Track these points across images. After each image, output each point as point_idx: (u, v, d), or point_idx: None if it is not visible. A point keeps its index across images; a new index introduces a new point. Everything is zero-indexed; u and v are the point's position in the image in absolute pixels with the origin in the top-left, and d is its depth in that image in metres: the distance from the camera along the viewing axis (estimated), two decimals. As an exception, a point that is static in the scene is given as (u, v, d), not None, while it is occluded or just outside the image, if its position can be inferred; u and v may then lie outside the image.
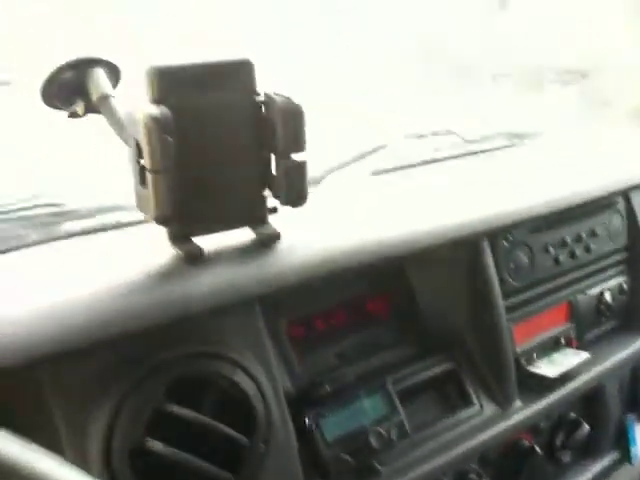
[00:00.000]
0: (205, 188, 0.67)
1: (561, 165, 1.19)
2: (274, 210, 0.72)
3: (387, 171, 1.18)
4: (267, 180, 0.71)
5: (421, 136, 1.24)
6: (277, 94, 0.66)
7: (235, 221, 0.71)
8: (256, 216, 0.72)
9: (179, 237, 0.68)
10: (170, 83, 0.63)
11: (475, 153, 1.25)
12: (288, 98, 0.66)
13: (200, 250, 0.67)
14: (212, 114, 0.66)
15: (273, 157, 0.70)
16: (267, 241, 0.72)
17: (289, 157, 0.68)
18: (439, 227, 0.85)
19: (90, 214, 0.85)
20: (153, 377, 0.61)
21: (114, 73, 0.74)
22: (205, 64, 0.65)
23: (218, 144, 0.67)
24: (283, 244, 0.72)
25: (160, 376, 0.61)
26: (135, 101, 0.64)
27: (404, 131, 1.24)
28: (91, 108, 0.72)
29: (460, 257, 0.91)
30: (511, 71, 2.04)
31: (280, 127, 0.66)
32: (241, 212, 0.71)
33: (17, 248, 0.76)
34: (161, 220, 0.63)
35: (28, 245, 0.77)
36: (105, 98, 0.71)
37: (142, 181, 0.63)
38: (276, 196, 0.71)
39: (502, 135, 1.33)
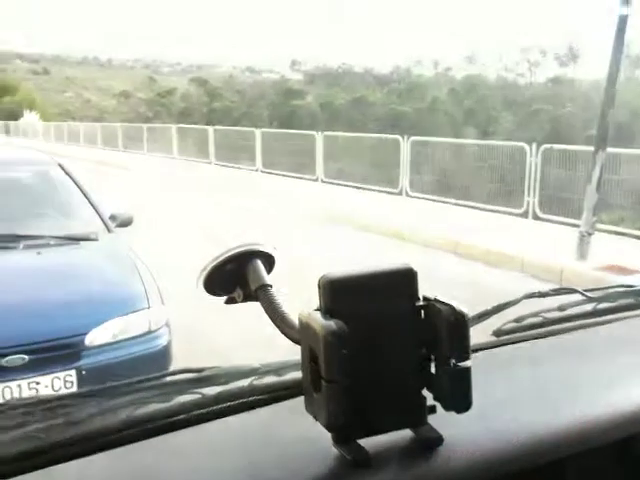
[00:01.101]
0: (369, 391, 0.69)
1: None
2: (433, 410, 0.71)
3: (511, 332, 1.15)
4: (427, 381, 0.71)
5: (543, 294, 1.22)
6: (438, 300, 0.68)
7: (396, 422, 0.72)
8: (416, 417, 0.72)
9: (344, 440, 0.68)
10: (340, 293, 0.67)
11: (603, 314, 1.20)
12: (451, 305, 0.67)
13: (366, 455, 0.67)
14: (376, 321, 0.69)
15: (433, 358, 0.71)
16: (429, 444, 0.71)
17: (452, 362, 0.68)
18: (598, 423, 0.81)
19: (227, 379, 0.86)
20: None
21: (270, 262, 0.79)
22: (372, 273, 0.69)
23: (380, 348, 0.69)
24: (444, 445, 0.71)
25: None
26: (306, 306, 0.67)
27: (524, 289, 1.22)
28: (249, 296, 0.76)
29: (613, 442, 0.85)
30: None
31: (444, 334, 0.68)
32: (401, 413, 0.71)
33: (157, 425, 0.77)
34: (332, 427, 0.65)
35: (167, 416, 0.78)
36: (264, 288, 0.75)
37: (315, 387, 0.64)
38: (437, 399, 0.70)
39: (628, 293, 1.28)
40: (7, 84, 74.73)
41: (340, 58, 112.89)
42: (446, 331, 0.67)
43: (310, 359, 0.65)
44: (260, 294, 0.76)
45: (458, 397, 0.69)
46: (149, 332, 3.53)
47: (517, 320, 1.17)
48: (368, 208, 10.30)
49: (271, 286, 0.76)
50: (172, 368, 3.60)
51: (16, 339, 3.14)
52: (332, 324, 0.63)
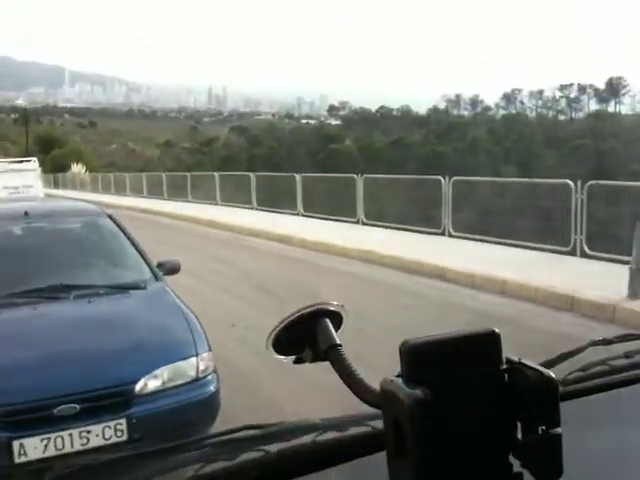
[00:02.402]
0: (454, 459, 0.67)
1: None
2: (519, 477, 0.69)
3: (577, 381, 1.11)
4: (513, 447, 0.69)
5: (608, 342, 1.17)
6: (523, 364, 0.67)
7: None
8: None
9: None
10: (423, 359, 0.66)
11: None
12: (538, 370, 0.65)
13: None
14: (460, 387, 0.67)
15: (519, 423, 0.69)
16: None
17: (541, 429, 0.66)
18: None
19: (290, 436, 0.85)
20: None
21: (338, 320, 0.79)
22: (454, 338, 0.68)
23: (465, 414, 0.68)
24: None
25: None
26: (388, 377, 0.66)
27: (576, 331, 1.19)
28: (319, 357, 0.76)
29: None
30: None
31: (532, 399, 0.66)
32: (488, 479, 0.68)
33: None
34: None
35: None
36: (334, 348, 0.75)
37: (400, 455, 0.63)
38: (526, 466, 0.68)
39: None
40: (55, 137, 77.72)
41: (377, 101, 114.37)
42: (534, 396, 0.65)
43: (394, 427, 0.64)
44: (330, 354, 0.75)
45: (549, 465, 0.66)
46: (197, 379, 3.54)
47: (583, 369, 1.13)
48: (412, 250, 10.24)
49: (341, 346, 0.76)
50: (219, 415, 3.60)
51: (67, 389, 3.19)
52: (418, 393, 0.62)
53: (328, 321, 0.78)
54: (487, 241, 10.63)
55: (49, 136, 77.17)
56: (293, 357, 0.80)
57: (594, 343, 1.16)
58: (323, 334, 0.77)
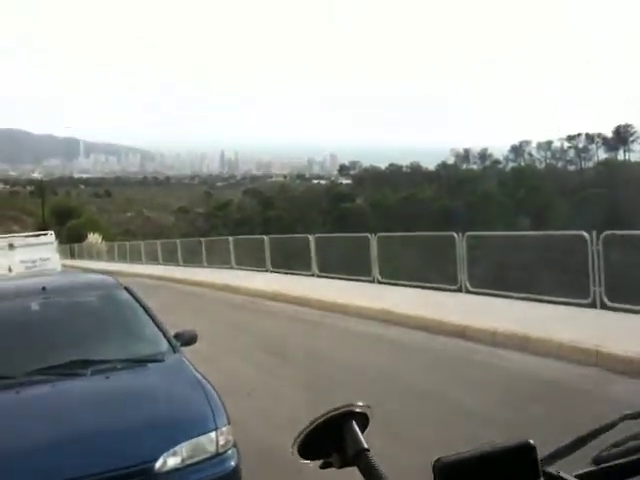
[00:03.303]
0: None
1: None
2: None
3: (611, 458, 1.07)
4: None
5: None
6: (560, 477, 0.65)
7: None
8: None
9: None
10: (458, 478, 0.64)
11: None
12: None
13: None
14: None
15: None
16: None
17: None
18: None
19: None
20: None
21: (364, 421, 0.77)
22: (487, 453, 0.66)
23: None
24: None
25: None
26: None
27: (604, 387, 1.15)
28: (347, 462, 0.73)
29: None
30: None
31: None
32: None
33: None
34: None
35: None
36: (362, 454, 0.72)
37: None
38: None
39: None
40: (71, 208, 78.97)
41: (387, 159, 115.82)
42: None
43: None
44: (358, 460, 0.73)
45: None
46: (217, 454, 3.47)
47: (615, 445, 1.09)
48: (430, 308, 10.15)
49: (369, 450, 0.74)
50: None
51: (87, 469, 3.13)
52: None
53: (354, 423, 0.76)
54: (504, 296, 10.51)
55: (65, 207, 78.46)
56: (319, 461, 0.78)
57: (625, 417, 1.12)
58: (350, 438, 0.75)
